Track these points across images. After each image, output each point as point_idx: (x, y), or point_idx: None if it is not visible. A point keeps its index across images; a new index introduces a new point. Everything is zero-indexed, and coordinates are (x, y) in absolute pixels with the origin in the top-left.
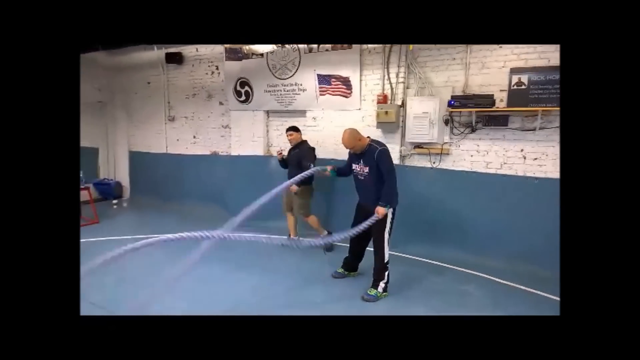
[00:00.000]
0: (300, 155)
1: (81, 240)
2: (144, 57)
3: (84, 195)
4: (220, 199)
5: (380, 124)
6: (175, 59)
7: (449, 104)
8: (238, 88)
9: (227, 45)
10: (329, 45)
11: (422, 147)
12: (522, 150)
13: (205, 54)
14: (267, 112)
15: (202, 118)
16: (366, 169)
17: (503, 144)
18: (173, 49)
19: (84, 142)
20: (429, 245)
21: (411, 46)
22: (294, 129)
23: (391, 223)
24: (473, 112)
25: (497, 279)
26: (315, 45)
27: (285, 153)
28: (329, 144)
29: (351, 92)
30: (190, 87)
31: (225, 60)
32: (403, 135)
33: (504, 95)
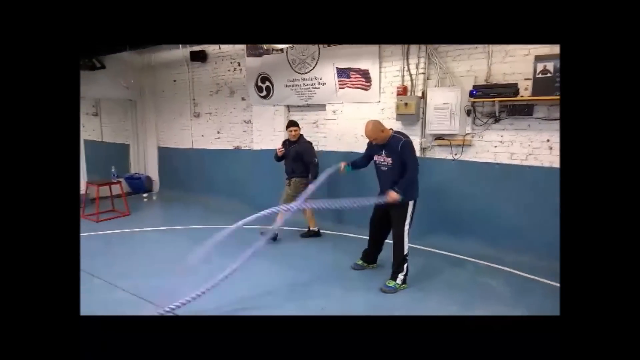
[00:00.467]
0: (301, 150)
1: (115, 231)
2: (169, 56)
3: (116, 189)
4: (243, 192)
5: (400, 116)
6: (199, 57)
7: (471, 94)
8: (259, 83)
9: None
10: None
11: (443, 139)
12: (548, 140)
13: (228, 51)
14: (288, 107)
15: (225, 114)
16: (389, 160)
17: (528, 134)
18: (197, 48)
19: (116, 139)
20: (450, 238)
21: None
22: (297, 124)
23: (411, 215)
24: (496, 102)
25: (519, 272)
26: None
27: (279, 147)
28: (348, 136)
29: (370, 84)
30: (214, 84)
31: (247, 56)
32: (423, 127)
33: (529, 83)
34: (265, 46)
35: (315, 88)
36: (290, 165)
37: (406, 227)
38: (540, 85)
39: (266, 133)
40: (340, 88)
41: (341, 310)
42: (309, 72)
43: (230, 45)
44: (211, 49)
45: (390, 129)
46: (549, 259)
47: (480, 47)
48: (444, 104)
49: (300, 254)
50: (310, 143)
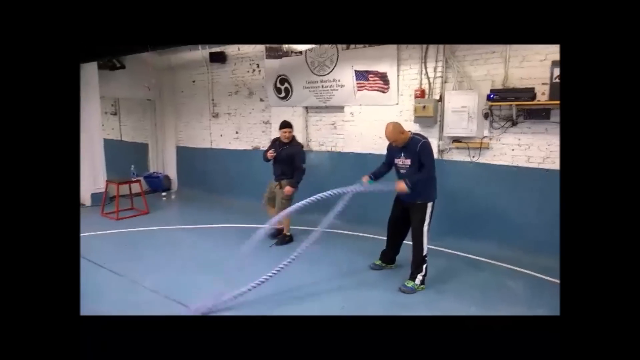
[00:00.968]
0: (294, 152)
1: (134, 229)
2: (189, 57)
3: (135, 188)
4: (261, 192)
5: (418, 119)
6: (218, 58)
7: (489, 98)
8: (278, 85)
9: (268, 44)
10: None
11: (460, 142)
12: None
13: (247, 52)
14: (306, 108)
15: (243, 114)
16: (408, 161)
17: (546, 137)
18: (216, 49)
19: (135, 138)
20: (467, 240)
21: None
22: (291, 125)
23: (430, 216)
24: (513, 106)
25: (537, 274)
26: None
27: (270, 150)
28: (366, 138)
29: (388, 87)
30: (233, 85)
31: (266, 58)
32: (441, 130)
33: (546, 88)
34: (285, 48)
35: (334, 90)
36: (280, 167)
37: (425, 228)
38: (557, 89)
39: None
40: (358, 90)
41: (360, 310)
42: (327, 74)
43: (250, 47)
44: (230, 50)
45: (409, 131)
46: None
47: (497, 52)
48: (462, 107)
49: (317, 253)
50: (302, 146)
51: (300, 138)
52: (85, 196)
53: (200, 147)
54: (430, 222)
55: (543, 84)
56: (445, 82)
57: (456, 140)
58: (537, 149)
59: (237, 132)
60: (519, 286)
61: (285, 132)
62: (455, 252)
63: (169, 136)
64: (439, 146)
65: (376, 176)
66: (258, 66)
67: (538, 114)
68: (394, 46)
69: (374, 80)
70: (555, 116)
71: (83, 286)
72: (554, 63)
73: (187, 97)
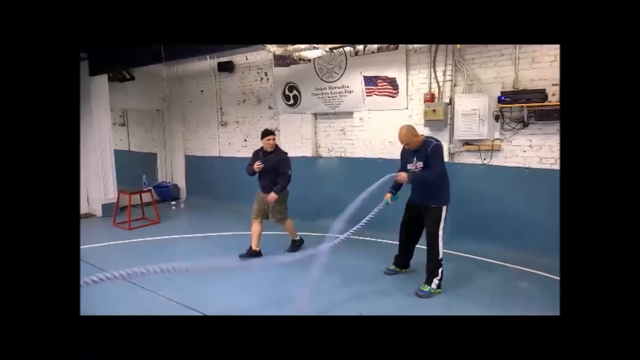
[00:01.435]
0: (278, 160)
1: (147, 238)
2: (197, 67)
3: (146, 197)
4: None
5: (428, 122)
6: (226, 68)
7: (500, 100)
8: (287, 92)
9: (276, 52)
10: (374, 47)
11: (471, 144)
12: None
13: (255, 61)
14: (315, 115)
15: (252, 122)
16: (420, 164)
17: (557, 138)
18: (224, 58)
19: (143, 148)
20: (481, 242)
21: (459, 45)
22: (273, 132)
23: (445, 219)
24: (524, 107)
25: (551, 275)
26: (361, 48)
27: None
28: (376, 143)
29: (398, 92)
30: (241, 93)
31: (274, 66)
32: (451, 133)
33: (556, 89)
34: (294, 56)
35: (343, 96)
36: (268, 177)
37: (440, 232)
38: None
39: (293, 140)
40: (367, 96)
41: (377, 314)
42: (336, 80)
43: (258, 56)
44: (238, 59)
45: (422, 134)
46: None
47: (507, 54)
48: (472, 110)
49: (333, 258)
50: (286, 153)
51: (309, 144)
52: (96, 207)
53: (209, 156)
54: (445, 226)
55: (553, 84)
56: (455, 86)
57: (467, 143)
58: (549, 149)
59: (245, 140)
60: (537, 289)
61: (269, 140)
62: (468, 255)
63: (178, 146)
64: (449, 149)
65: (396, 189)
66: (266, 74)
67: (549, 115)
68: (403, 51)
69: (383, 86)
70: None
71: (98, 296)
72: None
73: (196, 106)
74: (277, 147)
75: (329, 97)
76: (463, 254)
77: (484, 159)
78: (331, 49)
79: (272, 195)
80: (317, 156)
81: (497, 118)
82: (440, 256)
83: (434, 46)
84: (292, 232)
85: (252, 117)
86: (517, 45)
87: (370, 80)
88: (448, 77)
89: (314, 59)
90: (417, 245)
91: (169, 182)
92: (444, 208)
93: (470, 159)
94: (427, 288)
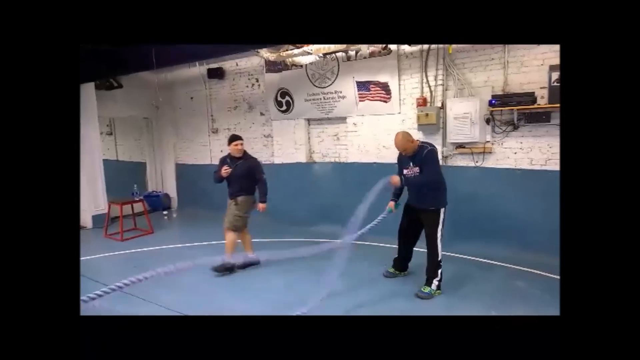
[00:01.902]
0: (252, 165)
1: (140, 249)
2: (187, 74)
3: (137, 207)
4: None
5: (421, 126)
6: (216, 74)
7: (490, 103)
8: (279, 98)
9: (267, 57)
10: (366, 52)
11: (464, 147)
12: None
13: (246, 67)
14: (308, 120)
15: (244, 129)
16: (416, 169)
17: (547, 140)
18: (214, 65)
19: (132, 157)
20: (477, 244)
21: (450, 49)
22: (241, 137)
23: (443, 222)
24: (515, 110)
25: (548, 274)
26: (353, 53)
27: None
28: (370, 148)
29: (390, 96)
30: (232, 100)
31: (265, 72)
32: (444, 137)
33: (545, 92)
34: (287, 62)
35: (336, 101)
36: (237, 183)
37: (439, 234)
38: (555, 93)
39: (287, 147)
40: (360, 101)
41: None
42: (328, 86)
43: (248, 62)
44: (228, 65)
45: (418, 140)
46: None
47: (496, 59)
48: (464, 114)
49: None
50: (256, 158)
51: (303, 150)
52: (86, 218)
53: (200, 164)
54: (443, 228)
55: (542, 87)
56: (447, 90)
57: (460, 146)
58: (539, 151)
59: None
60: (533, 287)
61: (237, 145)
62: (465, 256)
63: (168, 154)
64: (443, 152)
65: (397, 196)
66: (257, 80)
67: (539, 117)
68: (394, 56)
69: (375, 91)
70: (556, 119)
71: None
72: (551, 67)
73: (186, 114)
74: (245, 153)
75: (322, 103)
76: (460, 255)
77: (477, 162)
78: (324, 55)
79: (262, 206)
80: (311, 162)
81: (488, 121)
82: (439, 257)
83: (425, 51)
84: (229, 249)
85: (244, 123)
86: (507, 50)
87: (362, 86)
88: (439, 82)
89: (306, 64)
90: (415, 248)
91: (160, 192)
92: (442, 211)
93: (463, 161)
94: (427, 289)
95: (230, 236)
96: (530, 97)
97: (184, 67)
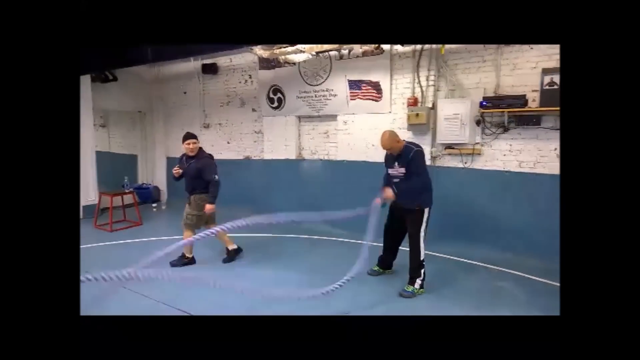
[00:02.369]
0: (200, 166)
1: (129, 240)
2: (181, 68)
3: (129, 199)
4: (253, 200)
5: (411, 126)
6: (210, 69)
7: (481, 105)
8: (271, 95)
9: (262, 55)
10: (359, 52)
11: (453, 148)
12: (555, 149)
13: (239, 64)
14: (299, 117)
15: (235, 124)
16: (402, 170)
17: (536, 143)
18: (209, 60)
19: (124, 150)
20: (462, 244)
21: (442, 50)
22: (196, 136)
23: (427, 222)
24: (505, 113)
25: (531, 276)
26: (346, 52)
27: (175, 168)
28: (359, 146)
29: (381, 96)
30: (225, 96)
31: (259, 69)
32: (434, 137)
33: (537, 95)
34: (281, 59)
35: (327, 99)
36: (190, 182)
37: (422, 234)
38: (547, 96)
39: (277, 143)
40: (351, 99)
41: (362, 314)
42: (320, 84)
43: (242, 58)
44: (222, 61)
45: (404, 140)
46: (559, 262)
47: (489, 61)
48: (454, 115)
49: (314, 261)
50: (211, 157)
51: (292, 147)
52: None
53: None
54: (427, 228)
55: (533, 90)
56: (438, 91)
57: (449, 146)
58: (528, 154)
59: (228, 142)
60: (516, 289)
61: (189, 145)
62: (449, 257)
63: (159, 147)
64: (432, 152)
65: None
66: (250, 77)
67: (529, 120)
68: (387, 56)
69: (367, 89)
70: (546, 122)
71: (85, 298)
72: (544, 70)
73: (178, 108)
74: (200, 151)
75: (313, 100)
76: (444, 255)
77: (465, 163)
78: (317, 53)
79: (209, 207)
80: (301, 159)
81: (478, 123)
82: (422, 257)
83: (418, 51)
84: (188, 247)
85: (235, 119)
86: (500, 51)
87: (354, 84)
88: (431, 82)
89: (299, 62)
90: (400, 247)
91: (150, 184)
92: (426, 210)
93: (451, 162)
94: (410, 288)
95: (185, 233)
96: (521, 100)
97: (177, 61)
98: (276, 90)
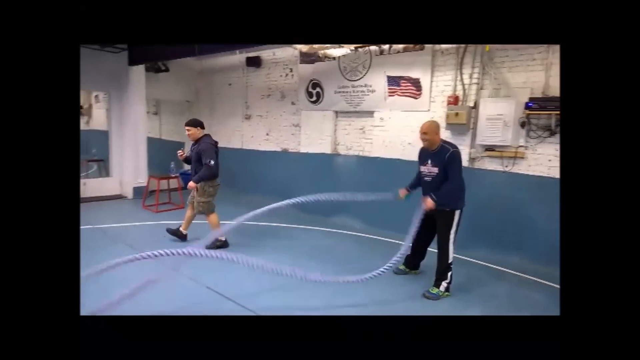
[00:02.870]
0: (200, 150)
1: (172, 222)
2: (227, 61)
3: (173, 184)
4: (288, 193)
5: (449, 126)
6: (254, 63)
7: (527, 106)
8: (310, 89)
9: (302, 49)
10: (400, 47)
11: (493, 150)
12: None
13: (282, 57)
14: (336, 112)
15: (275, 117)
16: (435, 170)
17: None
18: (253, 54)
19: (173, 137)
20: (495, 250)
21: (487, 47)
22: (192, 123)
23: (457, 224)
24: (553, 115)
25: None
26: (386, 47)
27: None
28: (395, 144)
29: (421, 93)
30: (266, 88)
31: (300, 63)
32: (473, 138)
33: None
34: (320, 54)
35: (365, 95)
36: (194, 168)
37: (451, 236)
38: None
39: (314, 137)
40: (389, 96)
41: (385, 314)
42: (359, 79)
43: (284, 52)
44: (266, 55)
45: (441, 138)
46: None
47: (538, 59)
48: (497, 115)
49: (340, 257)
50: (213, 143)
51: (328, 142)
52: (127, 189)
53: (233, 147)
54: (457, 230)
55: None
56: (481, 89)
57: (489, 148)
58: None
59: (267, 134)
60: (549, 301)
61: (187, 131)
62: (480, 262)
63: None
64: (470, 154)
65: (413, 187)
66: (291, 70)
67: None
68: (429, 52)
69: (406, 86)
70: None
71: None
72: None
73: (223, 99)
74: (203, 137)
75: (351, 96)
76: (476, 261)
77: (506, 166)
78: (356, 48)
79: (191, 184)
80: (336, 153)
81: (523, 125)
82: (450, 260)
83: (461, 48)
84: (217, 228)
85: (275, 112)
86: (550, 50)
87: (393, 80)
88: (475, 80)
89: (339, 57)
90: (429, 248)
91: None
92: (457, 213)
93: (491, 165)
94: (435, 290)
95: (209, 219)
96: None
97: (224, 54)
98: (315, 84)
